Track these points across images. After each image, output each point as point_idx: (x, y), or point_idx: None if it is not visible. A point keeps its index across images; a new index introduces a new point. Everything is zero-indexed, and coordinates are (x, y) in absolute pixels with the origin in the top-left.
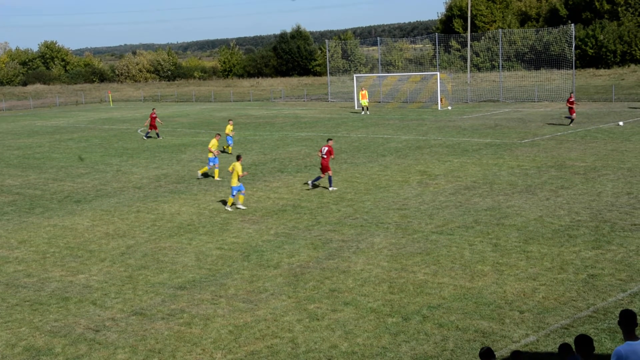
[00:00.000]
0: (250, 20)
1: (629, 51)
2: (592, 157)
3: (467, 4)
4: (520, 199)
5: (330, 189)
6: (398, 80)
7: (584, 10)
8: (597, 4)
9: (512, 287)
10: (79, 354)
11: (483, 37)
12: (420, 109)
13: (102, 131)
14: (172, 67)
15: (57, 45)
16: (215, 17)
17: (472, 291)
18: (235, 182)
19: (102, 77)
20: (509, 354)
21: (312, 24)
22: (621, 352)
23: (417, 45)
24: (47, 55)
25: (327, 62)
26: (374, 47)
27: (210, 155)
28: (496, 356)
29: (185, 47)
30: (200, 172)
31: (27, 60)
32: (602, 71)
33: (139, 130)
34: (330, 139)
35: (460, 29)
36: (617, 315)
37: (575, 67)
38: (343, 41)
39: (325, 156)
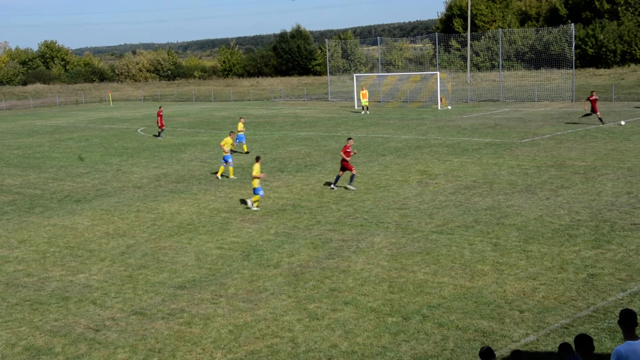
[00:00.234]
0: (250, 19)
1: (629, 51)
2: (592, 157)
3: (467, 3)
4: (520, 199)
5: (350, 186)
6: (398, 79)
7: (584, 9)
8: (597, 3)
9: (512, 286)
10: (79, 354)
11: (483, 37)
12: (420, 109)
13: (102, 131)
14: (172, 66)
15: (57, 44)
16: (215, 16)
17: (472, 291)
18: (256, 184)
19: (102, 77)
20: (509, 354)
21: (312, 24)
22: (621, 352)
23: (417, 45)
24: (47, 55)
25: (327, 62)
26: (374, 47)
27: (224, 154)
28: (496, 356)
29: (185, 47)
30: (218, 174)
31: (27, 59)
32: (602, 71)
33: (139, 130)
34: (350, 138)
35: (460, 28)
36: (617, 314)
37: (575, 67)
38: (343, 41)
39: (345, 154)
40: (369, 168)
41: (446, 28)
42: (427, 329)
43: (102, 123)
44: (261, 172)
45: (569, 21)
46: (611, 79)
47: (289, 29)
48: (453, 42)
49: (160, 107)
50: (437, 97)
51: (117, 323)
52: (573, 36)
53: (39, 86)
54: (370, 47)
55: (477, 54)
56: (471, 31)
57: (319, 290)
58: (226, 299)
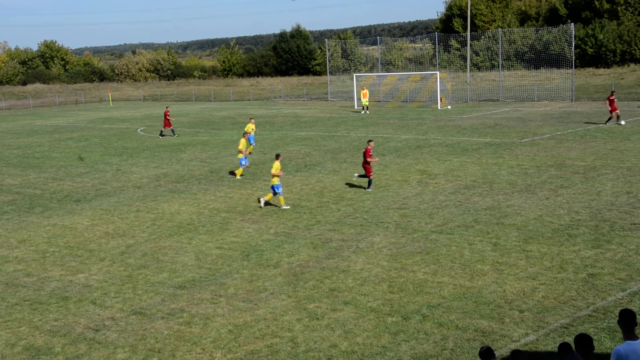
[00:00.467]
0: (250, 19)
1: (628, 50)
2: (592, 157)
3: (466, 3)
4: (520, 198)
5: (369, 189)
6: (398, 79)
7: (583, 9)
8: (596, 3)
9: (512, 286)
10: (78, 354)
11: (483, 37)
12: (420, 109)
13: (101, 130)
14: (171, 66)
15: (56, 44)
16: (215, 16)
17: (472, 290)
18: (275, 181)
19: (101, 77)
20: (508, 353)
21: (312, 24)
22: (621, 352)
23: (416, 45)
24: (47, 55)
25: (327, 62)
26: (374, 47)
27: (240, 156)
28: (496, 355)
29: (185, 47)
30: (238, 175)
31: (26, 59)
32: (601, 70)
33: (138, 130)
34: (371, 140)
35: (460, 28)
36: (617, 314)
37: (575, 67)
38: (343, 40)
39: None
40: None
41: (446, 28)
42: (426, 328)
43: (102, 123)
44: (279, 170)
45: (569, 21)
46: (611, 79)
47: (288, 29)
48: (453, 42)
49: (167, 107)
50: (436, 97)
51: (117, 323)
52: (573, 36)
53: (38, 86)
54: (370, 47)
55: (477, 54)
56: (471, 31)
57: (319, 290)
58: (226, 299)
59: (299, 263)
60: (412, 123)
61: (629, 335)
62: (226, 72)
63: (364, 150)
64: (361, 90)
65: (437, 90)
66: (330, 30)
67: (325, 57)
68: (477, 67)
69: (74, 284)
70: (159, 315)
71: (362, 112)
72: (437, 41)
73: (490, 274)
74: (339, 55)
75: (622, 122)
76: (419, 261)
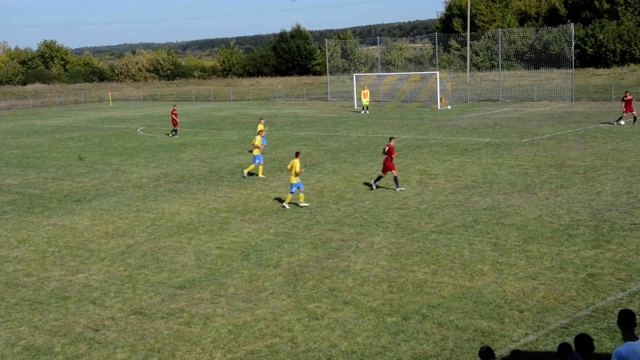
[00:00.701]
0: (250, 19)
1: (628, 50)
2: (592, 157)
3: (466, 3)
4: (520, 199)
5: (398, 189)
6: (398, 79)
7: (583, 9)
8: (596, 3)
9: (512, 286)
10: (78, 353)
11: (482, 37)
12: (419, 109)
13: (101, 130)
14: (171, 66)
15: (56, 44)
16: (214, 16)
17: (472, 290)
18: (294, 179)
19: (101, 77)
20: (508, 354)
21: (312, 24)
22: (622, 353)
23: (416, 45)
24: (47, 55)
25: (327, 62)
26: (374, 47)
27: (256, 152)
28: (496, 355)
29: (185, 47)
30: (246, 171)
31: (26, 59)
32: (601, 70)
33: (138, 130)
34: (393, 138)
35: (460, 28)
36: (617, 314)
37: (575, 67)
38: (343, 40)
39: (386, 155)
40: (368, 168)
41: (446, 28)
42: (426, 328)
43: (102, 123)
44: (301, 168)
45: (569, 21)
46: (611, 79)
47: (288, 29)
48: (453, 42)
49: (174, 106)
50: (436, 97)
51: (117, 323)
52: (573, 36)
53: (38, 86)
54: (370, 47)
55: (477, 54)
56: (471, 31)
57: (319, 290)
58: (226, 299)
59: (299, 263)
60: (412, 123)
61: (628, 336)
62: (226, 72)
63: (385, 148)
64: (362, 90)
65: (437, 90)
66: (330, 30)
67: (325, 57)
68: (477, 67)
69: (73, 284)
70: (159, 315)
71: (362, 112)
72: (437, 41)
73: (490, 274)
74: (339, 55)
75: (622, 123)
76: (418, 261)
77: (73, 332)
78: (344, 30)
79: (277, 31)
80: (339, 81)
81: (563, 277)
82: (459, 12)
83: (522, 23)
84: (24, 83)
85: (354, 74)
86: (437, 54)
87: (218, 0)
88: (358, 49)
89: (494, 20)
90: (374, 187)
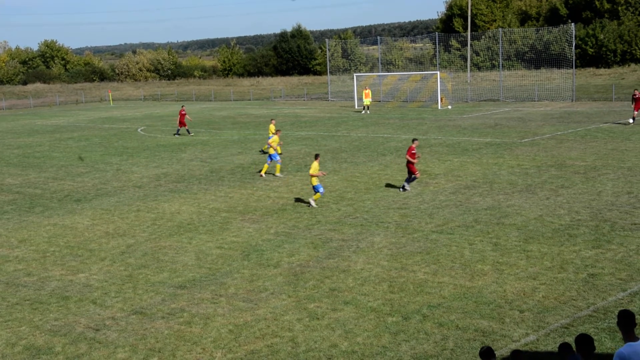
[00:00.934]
0: (251, 19)
1: (629, 50)
2: (592, 157)
3: (467, 3)
4: (521, 198)
5: (401, 189)
6: (398, 79)
7: (584, 9)
8: (597, 3)
9: (512, 286)
10: (79, 353)
11: (483, 37)
12: (420, 108)
13: (102, 130)
14: (172, 66)
15: (57, 44)
16: (215, 16)
17: (472, 290)
18: (315, 181)
19: (102, 76)
20: (509, 354)
21: (313, 23)
22: (624, 354)
23: (417, 45)
24: (47, 54)
25: (327, 61)
26: (374, 46)
27: (272, 152)
28: (496, 355)
29: (186, 46)
30: (263, 172)
31: (27, 59)
32: (602, 70)
33: (139, 130)
34: (416, 139)
35: (461, 28)
36: (616, 315)
37: (576, 67)
38: (343, 40)
39: (410, 156)
40: (369, 168)
41: (446, 28)
42: (427, 328)
43: (102, 122)
44: (319, 170)
45: (569, 21)
46: (611, 79)
47: (289, 29)
48: (453, 42)
49: (182, 107)
50: (437, 97)
51: (117, 322)
52: (573, 36)
53: (39, 86)
54: (371, 47)
55: (477, 54)
56: (471, 31)
57: (319, 290)
58: (226, 299)
59: (299, 263)
60: (413, 123)
61: (629, 336)
62: (226, 71)
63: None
64: (364, 90)
65: (437, 90)
66: (331, 30)
67: (326, 57)
68: (477, 67)
69: (74, 284)
70: (159, 315)
71: (363, 111)
72: (437, 41)
73: (491, 274)
74: (340, 55)
75: (630, 121)
76: (419, 261)
77: (73, 331)
78: (345, 30)
79: (278, 31)
80: (339, 81)
81: (563, 277)
82: (459, 12)
83: (522, 23)
84: (25, 83)
85: (355, 74)
86: (437, 53)
87: (218, 0)
88: (358, 49)
89: (495, 20)
90: (407, 188)
